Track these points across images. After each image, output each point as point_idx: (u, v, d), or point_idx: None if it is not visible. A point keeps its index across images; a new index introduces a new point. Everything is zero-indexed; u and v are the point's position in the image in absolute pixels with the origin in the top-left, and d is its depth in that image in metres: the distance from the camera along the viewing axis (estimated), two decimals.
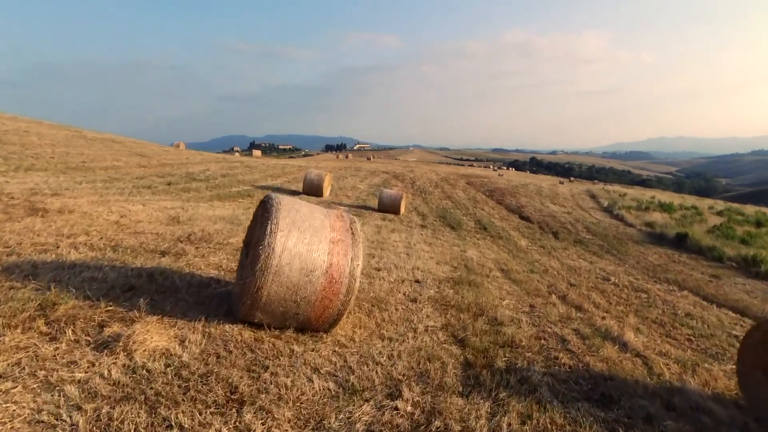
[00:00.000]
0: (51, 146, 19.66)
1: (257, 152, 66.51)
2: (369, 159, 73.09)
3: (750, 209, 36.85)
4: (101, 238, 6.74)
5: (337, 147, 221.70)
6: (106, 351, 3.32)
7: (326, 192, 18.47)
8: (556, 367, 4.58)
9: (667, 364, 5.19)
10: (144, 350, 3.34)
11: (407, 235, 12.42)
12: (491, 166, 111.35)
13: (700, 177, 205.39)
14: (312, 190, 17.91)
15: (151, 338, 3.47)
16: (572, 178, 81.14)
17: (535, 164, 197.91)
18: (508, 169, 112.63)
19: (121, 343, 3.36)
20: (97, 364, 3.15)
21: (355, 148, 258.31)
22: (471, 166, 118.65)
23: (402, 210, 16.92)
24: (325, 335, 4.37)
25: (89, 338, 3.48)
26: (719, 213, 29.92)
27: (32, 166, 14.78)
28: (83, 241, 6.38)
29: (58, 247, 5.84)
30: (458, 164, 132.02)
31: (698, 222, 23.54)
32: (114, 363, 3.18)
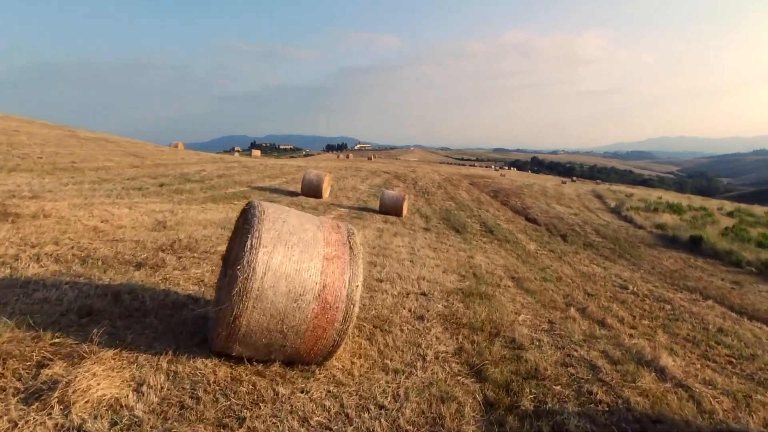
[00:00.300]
0: (40, 146, 18.96)
1: (256, 152, 65.67)
2: (370, 159, 72.36)
3: (759, 210, 36.06)
4: (72, 247, 6.04)
5: (338, 147, 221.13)
6: (36, 404, 2.61)
7: (326, 193, 17.77)
8: (592, 405, 3.87)
9: (717, 398, 4.47)
10: (86, 401, 2.64)
11: (410, 239, 11.70)
12: (493, 166, 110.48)
13: (702, 177, 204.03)
14: (311, 191, 17.21)
15: (98, 384, 2.77)
16: (574, 178, 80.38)
17: (537, 164, 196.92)
18: (509, 168, 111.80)
19: (57, 393, 2.65)
20: (20, 424, 2.44)
21: (356, 147, 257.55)
22: (473, 166, 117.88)
23: (404, 212, 16.21)
24: (317, 369, 3.67)
25: (20, 385, 2.77)
26: (729, 214, 29.18)
27: (17, 167, 14.08)
28: (50, 251, 5.68)
29: (17, 260, 5.14)
30: (460, 164, 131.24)
31: (710, 224, 22.81)
32: (43, 423, 2.47)
